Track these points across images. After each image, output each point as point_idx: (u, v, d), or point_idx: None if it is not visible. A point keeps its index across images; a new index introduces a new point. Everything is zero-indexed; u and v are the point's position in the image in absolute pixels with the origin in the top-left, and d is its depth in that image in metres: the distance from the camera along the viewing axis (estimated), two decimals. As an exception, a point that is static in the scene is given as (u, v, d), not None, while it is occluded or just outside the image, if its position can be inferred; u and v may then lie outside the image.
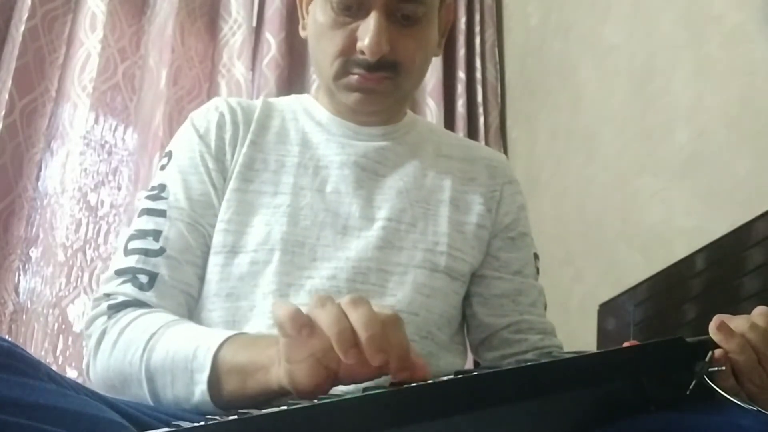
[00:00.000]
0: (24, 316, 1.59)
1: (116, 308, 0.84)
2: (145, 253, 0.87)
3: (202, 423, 0.47)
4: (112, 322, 0.83)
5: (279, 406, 0.50)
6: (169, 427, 0.49)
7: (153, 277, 0.86)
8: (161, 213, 0.90)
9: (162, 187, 0.92)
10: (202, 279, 0.90)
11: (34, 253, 1.64)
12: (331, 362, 0.61)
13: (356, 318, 0.58)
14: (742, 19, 1.38)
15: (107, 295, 0.86)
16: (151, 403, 0.76)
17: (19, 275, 1.61)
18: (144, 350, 0.76)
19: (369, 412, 0.49)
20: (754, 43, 1.34)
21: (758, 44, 1.33)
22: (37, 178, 1.68)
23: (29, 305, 1.60)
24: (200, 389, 0.71)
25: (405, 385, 0.52)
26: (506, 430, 0.55)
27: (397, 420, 0.49)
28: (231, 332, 0.74)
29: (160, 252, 0.87)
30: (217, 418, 0.48)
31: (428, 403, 0.51)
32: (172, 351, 0.75)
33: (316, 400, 0.49)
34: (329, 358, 0.60)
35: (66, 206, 1.66)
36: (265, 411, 0.48)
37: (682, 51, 1.52)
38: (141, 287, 0.85)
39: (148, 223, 0.90)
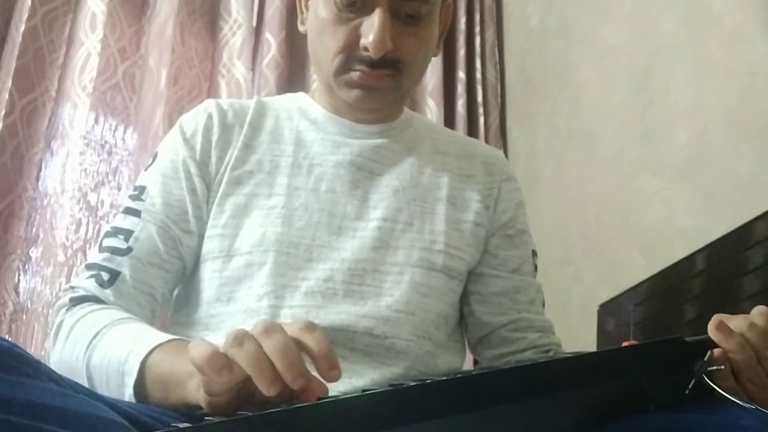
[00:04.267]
0: (24, 316, 1.59)
1: (76, 301, 0.86)
2: (113, 251, 0.88)
3: (202, 423, 0.47)
4: (68, 315, 0.84)
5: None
6: (168, 427, 0.49)
7: (114, 275, 0.87)
8: (137, 213, 0.91)
9: (142, 189, 0.93)
10: (168, 282, 0.91)
11: (34, 253, 1.64)
12: (249, 389, 0.60)
13: (270, 348, 0.56)
14: (742, 19, 1.38)
15: (72, 288, 0.88)
16: None
17: (19, 275, 1.61)
18: (87, 348, 0.77)
19: (369, 412, 0.49)
20: (754, 43, 1.34)
21: (758, 44, 1.33)
22: (37, 178, 1.68)
23: (29, 305, 1.60)
24: (128, 393, 0.71)
25: (404, 385, 0.52)
26: (506, 429, 0.55)
27: (397, 420, 0.49)
28: (166, 338, 0.73)
29: (127, 252, 0.88)
30: (216, 419, 0.48)
31: (428, 403, 0.51)
32: (110, 352, 0.75)
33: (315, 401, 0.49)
34: (247, 386, 0.59)
35: (66, 206, 1.66)
36: (264, 411, 0.48)
37: (682, 51, 1.52)
38: (102, 284, 0.86)
39: (124, 221, 0.91)
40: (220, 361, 0.56)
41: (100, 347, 0.77)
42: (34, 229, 1.65)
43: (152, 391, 0.70)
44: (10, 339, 0.54)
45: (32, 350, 1.52)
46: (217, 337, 0.82)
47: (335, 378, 0.57)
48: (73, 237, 1.65)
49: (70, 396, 0.52)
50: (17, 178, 1.65)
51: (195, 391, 0.64)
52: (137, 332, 0.77)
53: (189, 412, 0.69)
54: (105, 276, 0.87)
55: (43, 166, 1.69)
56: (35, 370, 0.51)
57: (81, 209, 1.68)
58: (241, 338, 0.57)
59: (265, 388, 0.56)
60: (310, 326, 0.59)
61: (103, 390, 0.74)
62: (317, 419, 0.48)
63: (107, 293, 0.86)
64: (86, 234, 1.67)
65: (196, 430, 0.47)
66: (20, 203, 1.65)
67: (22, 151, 1.66)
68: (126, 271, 0.87)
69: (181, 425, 0.49)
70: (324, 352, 0.57)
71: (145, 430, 0.57)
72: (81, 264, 1.64)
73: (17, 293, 1.60)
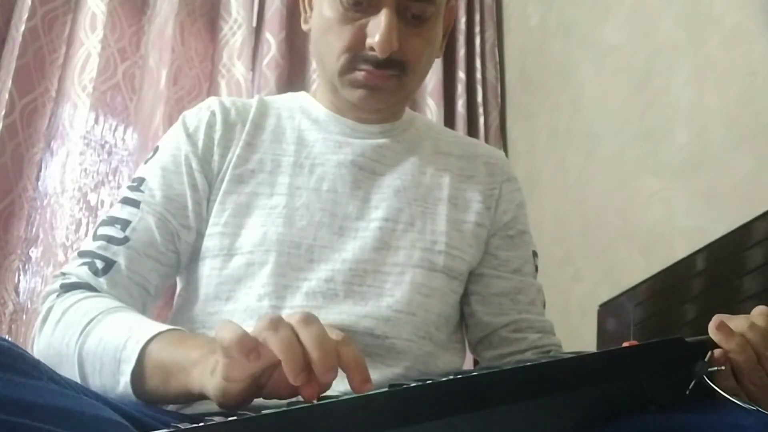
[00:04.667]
0: (24, 316, 1.59)
1: (67, 288, 0.84)
2: (109, 240, 0.87)
3: (202, 424, 0.47)
4: (59, 301, 0.83)
5: (259, 408, 0.50)
6: (168, 427, 0.49)
7: (109, 264, 0.85)
8: (135, 204, 0.90)
9: (141, 180, 0.92)
10: (162, 276, 0.90)
11: (34, 253, 1.64)
12: (263, 379, 0.60)
13: (307, 337, 0.56)
14: (742, 19, 1.38)
15: (64, 274, 0.86)
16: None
17: (19, 275, 1.61)
18: (80, 334, 0.76)
19: (369, 412, 0.49)
20: (754, 43, 1.34)
21: (758, 44, 1.33)
22: (37, 178, 1.68)
23: (29, 305, 1.59)
24: (124, 380, 0.70)
25: (404, 386, 0.52)
26: (506, 430, 0.55)
27: (397, 420, 0.49)
28: (166, 327, 0.73)
29: (123, 241, 0.87)
30: (216, 419, 0.48)
31: (428, 403, 0.51)
32: (105, 338, 0.74)
33: (315, 401, 0.50)
34: (263, 375, 0.59)
35: (66, 206, 1.66)
36: (264, 412, 0.48)
37: (682, 51, 1.52)
38: (96, 272, 0.85)
39: (121, 211, 0.90)
40: (250, 344, 0.56)
41: (94, 333, 0.75)
42: (34, 229, 1.65)
43: (150, 379, 0.69)
44: (10, 339, 0.54)
45: (32, 350, 1.52)
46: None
47: (328, 380, 0.57)
48: (73, 237, 1.65)
49: (70, 396, 0.52)
50: (17, 178, 1.65)
51: (199, 379, 0.63)
52: (135, 320, 0.76)
53: (187, 401, 0.68)
54: (99, 264, 0.85)
55: (43, 166, 1.69)
56: (35, 370, 0.52)
57: (81, 209, 1.68)
58: (276, 323, 0.57)
59: (293, 375, 0.55)
60: (349, 339, 0.59)
61: (95, 377, 0.73)
62: (317, 419, 0.48)
63: (101, 281, 0.85)
64: (86, 234, 1.67)
65: (197, 431, 0.47)
66: (20, 203, 1.65)
67: (22, 151, 1.66)
68: (121, 261, 0.86)
69: (182, 425, 0.49)
70: (361, 366, 0.58)
71: (145, 430, 0.57)
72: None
73: (17, 293, 1.60)
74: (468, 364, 1.16)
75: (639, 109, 1.63)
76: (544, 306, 1.02)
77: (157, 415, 0.66)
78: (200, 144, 0.94)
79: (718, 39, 1.43)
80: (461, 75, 2.21)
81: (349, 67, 0.90)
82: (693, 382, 0.60)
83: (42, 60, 1.73)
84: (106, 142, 1.77)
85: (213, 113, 0.96)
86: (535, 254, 1.03)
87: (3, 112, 1.61)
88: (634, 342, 0.62)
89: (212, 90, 1.93)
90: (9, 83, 1.63)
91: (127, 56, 1.86)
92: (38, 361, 0.53)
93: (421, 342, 0.89)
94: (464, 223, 0.97)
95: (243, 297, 0.87)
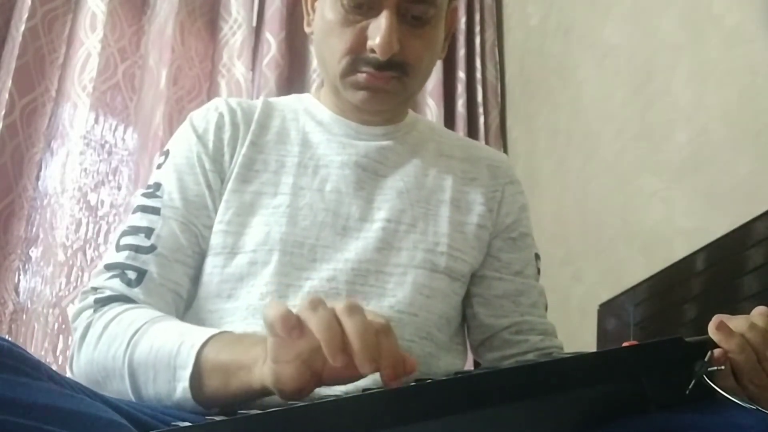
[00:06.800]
0: (24, 316, 1.59)
1: (102, 302, 0.83)
2: (136, 249, 0.87)
3: (202, 423, 0.47)
4: (97, 316, 0.82)
5: (265, 407, 0.50)
6: (169, 427, 0.49)
7: (141, 273, 0.85)
8: (155, 211, 0.89)
9: (157, 186, 0.92)
10: (192, 279, 0.90)
11: (34, 253, 1.64)
12: (316, 364, 0.60)
13: (350, 326, 0.57)
14: (742, 19, 1.38)
15: (95, 289, 0.85)
16: (132, 399, 0.75)
17: (19, 275, 1.61)
18: (128, 345, 0.76)
19: (369, 412, 0.49)
20: (754, 43, 1.34)
21: (758, 44, 1.33)
22: (37, 178, 1.68)
23: (29, 305, 1.60)
24: (182, 386, 0.70)
25: (404, 385, 0.52)
26: (506, 430, 0.55)
27: (397, 420, 0.49)
28: (216, 330, 0.73)
29: (151, 249, 0.87)
30: (217, 418, 0.48)
31: (428, 403, 0.51)
32: (156, 347, 0.74)
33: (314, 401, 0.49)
34: (315, 359, 0.59)
35: (66, 206, 1.66)
36: (264, 411, 0.48)
37: (682, 51, 1.52)
38: (129, 283, 0.84)
39: (141, 220, 0.89)
40: (292, 321, 0.57)
41: (143, 343, 0.75)
42: (34, 229, 1.65)
43: (210, 380, 0.70)
44: (10, 339, 0.54)
45: (32, 350, 1.52)
46: None
47: (369, 371, 0.58)
48: (73, 237, 1.65)
49: (70, 396, 0.52)
50: (17, 178, 1.65)
51: (259, 371, 0.64)
52: (183, 327, 0.77)
53: (249, 400, 0.69)
54: (132, 275, 0.85)
55: (43, 166, 1.69)
56: (35, 370, 0.51)
57: (81, 209, 1.68)
58: (316, 303, 0.58)
59: (332, 355, 0.56)
60: (389, 329, 0.59)
61: (148, 386, 0.74)
62: (318, 419, 0.48)
63: (136, 292, 0.84)
64: (86, 234, 1.67)
65: (197, 430, 0.47)
66: (20, 203, 1.65)
67: (22, 151, 1.66)
68: (153, 269, 0.86)
69: (182, 424, 0.49)
70: (395, 360, 0.58)
71: (145, 429, 0.57)
72: (80, 264, 1.64)
73: (17, 293, 1.60)
74: (469, 366, 1.16)
75: (639, 109, 1.63)
76: (546, 308, 1.02)
77: (157, 414, 0.66)
78: (210, 145, 0.94)
79: (718, 39, 1.43)
80: (461, 75, 2.21)
81: (350, 70, 0.90)
82: (693, 382, 0.60)
83: (42, 60, 1.73)
84: (106, 142, 1.78)
85: (221, 114, 0.96)
86: (537, 257, 1.03)
87: (3, 112, 1.61)
88: (634, 342, 0.62)
89: (212, 90, 1.94)
90: (9, 83, 1.63)
91: (127, 56, 1.87)
92: (39, 361, 0.53)
93: (423, 343, 0.89)
94: (466, 224, 0.97)
95: (245, 295, 0.87)
